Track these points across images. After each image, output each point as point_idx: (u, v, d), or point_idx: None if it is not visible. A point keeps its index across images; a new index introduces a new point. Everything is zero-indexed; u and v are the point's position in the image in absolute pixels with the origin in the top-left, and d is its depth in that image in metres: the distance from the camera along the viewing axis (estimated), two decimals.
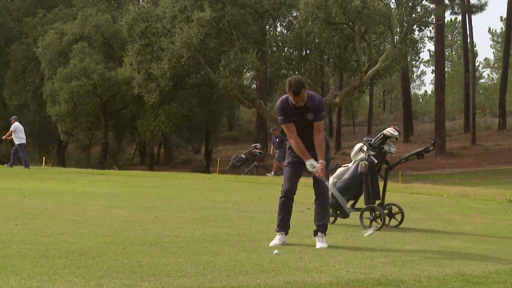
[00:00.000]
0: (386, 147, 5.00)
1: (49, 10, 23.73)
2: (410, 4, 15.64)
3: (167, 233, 4.00)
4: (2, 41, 24.41)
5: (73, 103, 19.35)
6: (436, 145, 5.30)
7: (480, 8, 25.09)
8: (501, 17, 42.39)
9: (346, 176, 5.07)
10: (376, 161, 4.96)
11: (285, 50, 16.84)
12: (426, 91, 58.61)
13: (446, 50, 34.57)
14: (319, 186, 3.83)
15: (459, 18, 35.60)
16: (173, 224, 4.51)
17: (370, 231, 4.05)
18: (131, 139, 27.69)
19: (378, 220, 4.88)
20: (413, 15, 15.68)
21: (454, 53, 45.98)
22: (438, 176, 16.29)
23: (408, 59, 20.62)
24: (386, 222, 5.01)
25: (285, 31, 17.40)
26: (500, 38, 41.82)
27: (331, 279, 2.64)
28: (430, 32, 17.25)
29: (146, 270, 2.70)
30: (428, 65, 48.28)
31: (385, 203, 5.10)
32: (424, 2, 16.32)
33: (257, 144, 15.14)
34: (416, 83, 49.81)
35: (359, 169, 4.93)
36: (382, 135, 5.03)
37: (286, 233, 3.84)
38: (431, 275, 2.81)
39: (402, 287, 2.55)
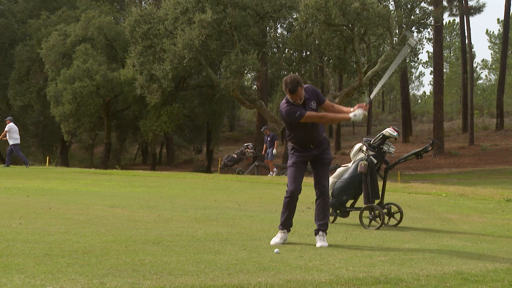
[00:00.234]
0: (385, 147, 5.03)
1: (53, 12, 23.86)
2: (409, 6, 15.64)
3: (169, 232, 4.02)
4: (7, 43, 24.56)
5: (76, 103, 19.44)
6: (435, 145, 5.33)
7: (478, 10, 25.05)
8: (498, 19, 42.43)
9: (346, 175, 5.10)
10: (375, 161, 4.99)
11: (286, 51, 16.87)
12: (424, 92, 58.58)
13: (444, 52, 34.50)
14: (320, 186, 3.86)
15: (457, 20, 35.70)
16: (175, 223, 4.54)
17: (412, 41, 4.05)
18: (134, 139, 27.76)
19: (377, 219, 4.91)
20: (412, 17, 15.70)
21: (452, 54, 45.98)
22: (437, 176, 16.27)
23: (407, 61, 20.60)
24: (385, 221, 5.03)
25: (286, 33, 17.44)
26: (497, 39, 41.85)
27: (331, 277, 2.66)
28: (429, 33, 17.28)
29: (148, 269, 2.72)
30: (426, 66, 48.34)
31: (384, 202, 5.12)
32: (422, 4, 16.32)
33: (249, 144, 15.19)
34: (415, 84, 49.90)
35: (358, 169, 4.96)
36: (381, 135, 5.06)
37: (288, 231, 3.87)
38: (430, 273, 2.83)
39: (401, 285, 2.56)
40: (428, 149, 5.21)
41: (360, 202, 5.14)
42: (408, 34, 4.18)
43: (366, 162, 4.93)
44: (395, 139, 5.06)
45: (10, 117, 13.40)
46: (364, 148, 5.08)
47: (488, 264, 3.20)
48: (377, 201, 5.01)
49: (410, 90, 36.84)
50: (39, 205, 5.44)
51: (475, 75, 38.44)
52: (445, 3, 24.01)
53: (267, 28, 17.45)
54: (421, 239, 4.25)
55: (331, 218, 5.24)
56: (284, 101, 3.82)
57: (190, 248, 3.39)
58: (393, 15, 15.45)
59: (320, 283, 2.54)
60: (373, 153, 5.01)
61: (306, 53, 16.88)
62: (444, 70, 34.81)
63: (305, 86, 3.82)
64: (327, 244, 3.71)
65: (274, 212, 5.69)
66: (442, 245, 3.97)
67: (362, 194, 5.02)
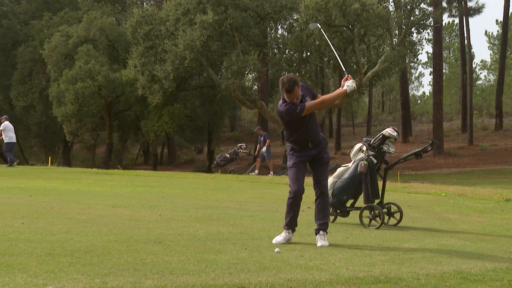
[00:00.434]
0: (385, 147, 5.04)
1: (55, 13, 23.94)
2: (409, 7, 15.62)
3: (170, 231, 4.04)
4: (10, 44, 24.65)
5: (79, 104, 19.51)
6: (434, 145, 5.34)
7: (477, 11, 25.01)
8: (497, 20, 42.38)
9: (346, 175, 5.12)
10: (375, 161, 5.00)
11: (286, 52, 16.88)
12: (424, 92, 58.56)
13: (443, 52, 34.51)
14: (320, 186, 3.87)
15: (457, 20, 35.71)
16: (177, 223, 4.55)
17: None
18: (135, 139, 27.82)
19: (377, 218, 4.93)
20: (412, 18, 15.67)
21: (451, 55, 45.98)
22: (436, 176, 16.25)
23: (407, 61, 20.59)
24: (385, 221, 5.04)
25: (286, 34, 17.45)
26: (496, 40, 41.85)
27: (331, 276, 2.67)
28: (428, 34, 17.25)
29: (150, 268, 2.73)
30: (426, 67, 48.28)
31: (384, 202, 5.13)
32: (422, 5, 16.27)
33: (242, 144, 15.25)
34: (415, 85, 49.90)
35: (358, 169, 4.98)
36: (381, 136, 5.07)
37: (293, 231, 3.87)
38: (430, 272, 2.84)
39: (401, 284, 2.57)
40: (428, 149, 5.23)
41: (360, 201, 5.16)
42: (312, 26, 4.28)
43: (366, 162, 4.94)
44: (395, 139, 5.08)
45: (5, 116, 13.44)
46: (364, 148, 5.10)
47: (488, 263, 3.21)
48: (377, 201, 5.02)
49: (409, 91, 36.83)
50: (41, 205, 5.47)
51: (474, 75, 38.45)
52: (444, 4, 24.01)
53: (268, 29, 17.47)
54: (420, 238, 4.26)
55: (331, 218, 5.26)
56: (281, 101, 3.84)
57: (191, 247, 3.40)
58: (393, 16, 15.45)
59: (320, 282, 2.55)
60: (373, 153, 5.03)
61: (306, 53, 16.88)
62: (444, 71, 34.82)
63: (301, 84, 3.86)
64: (327, 244, 3.72)
65: (275, 212, 5.71)
66: (441, 244, 3.98)
67: (362, 193, 5.04)
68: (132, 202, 6.21)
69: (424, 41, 16.84)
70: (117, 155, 26.76)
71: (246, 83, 28.13)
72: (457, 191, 8.37)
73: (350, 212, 5.22)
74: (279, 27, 17.69)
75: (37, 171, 11.68)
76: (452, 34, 45.56)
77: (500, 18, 32.70)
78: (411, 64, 37.98)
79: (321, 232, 3.81)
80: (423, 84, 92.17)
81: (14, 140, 12.96)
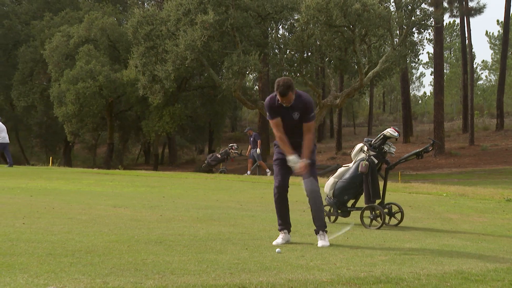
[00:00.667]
0: (386, 148, 5.04)
1: (56, 14, 23.99)
2: (410, 7, 15.61)
3: (171, 231, 4.04)
4: (11, 44, 24.70)
5: (80, 104, 19.54)
6: (435, 145, 5.34)
7: (479, 11, 25.00)
8: (498, 20, 42.37)
9: (347, 175, 5.12)
10: (376, 161, 5.00)
11: (287, 52, 16.87)
12: (425, 93, 58.59)
13: (444, 52, 34.52)
14: (308, 186, 3.81)
15: (458, 21, 35.62)
16: (177, 223, 4.56)
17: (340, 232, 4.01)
18: (136, 139, 27.86)
19: (378, 219, 4.93)
20: (413, 18, 15.67)
21: (452, 55, 45.99)
22: (437, 176, 16.25)
23: (408, 61, 20.56)
24: (386, 221, 5.04)
25: (287, 34, 17.45)
26: (497, 40, 41.83)
27: (332, 277, 2.67)
28: (429, 34, 17.21)
29: (151, 268, 2.73)
30: (427, 67, 48.26)
31: (385, 202, 5.13)
32: (423, 5, 16.28)
33: (233, 144, 15.31)
34: (416, 85, 49.93)
35: (359, 169, 4.98)
36: (382, 136, 5.07)
37: (289, 231, 3.86)
38: (430, 273, 2.83)
39: (402, 284, 2.57)
40: (429, 149, 5.23)
41: (361, 202, 5.16)
42: None
43: (367, 162, 4.94)
44: (396, 139, 5.08)
45: None
46: (365, 148, 5.10)
47: (489, 263, 3.20)
48: (378, 201, 5.02)
49: (410, 91, 36.86)
50: (42, 205, 5.47)
51: (475, 75, 38.46)
52: (445, 4, 24.00)
53: (269, 29, 17.47)
54: (421, 238, 4.26)
55: (332, 218, 5.26)
56: (272, 95, 3.84)
57: (192, 247, 3.40)
58: (394, 16, 15.45)
59: (321, 282, 2.55)
60: (374, 153, 5.03)
61: (307, 54, 16.87)
62: (445, 71, 34.77)
63: (304, 95, 3.80)
64: (328, 244, 3.71)
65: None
66: (442, 244, 3.98)
67: (363, 194, 5.04)
68: (133, 202, 6.21)
69: (425, 41, 16.83)
70: (118, 155, 26.80)
71: (247, 83, 28.17)
72: (458, 191, 8.37)
73: (351, 212, 5.21)
74: (280, 27, 17.70)
75: (38, 171, 11.70)
76: (453, 34, 45.56)
77: (501, 18, 32.75)
78: (412, 64, 37.97)
79: (320, 232, 3.80)
80: (424, 84, 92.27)
81: (7, 140, 13.02)
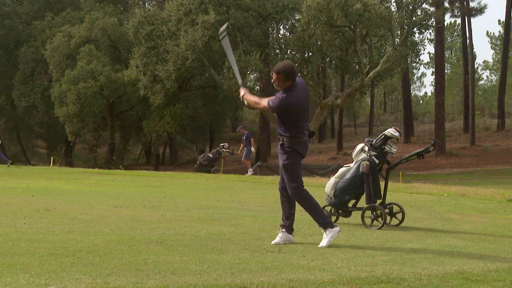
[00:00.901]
0: (387, 148, 5.04)
1: (57, 14, 24.03)
2: (411, 7, 15.61)
3: (172, 231, 4.05)
4: (12, 44, 24.75)
5: (80, 104, 19.57)
6: (436, 145, 5.33)
7: (480, 11, 24.99)
8: (499, 20, 42.35)
9: (348, 176, 5.11)
10: (377, 161, 5.00)
11: (288, 52, 16.88)
12: (426, 93, 58.55)
13: (445, 53, 34.55)
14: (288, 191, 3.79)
15: (459, 21, 35.58)
16: (178, 223, 4.56)
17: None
18: (137, 139, 27.90)
19: (379, 219, 4.92)
20: (414, 18, 15.65)
21: (453, 55, 45.96)
22: (438, 176, 16.25)
23: (409, 61, 20.54)
24: (387, 221, 5.04)
25: (288, 34, 17.46)
26: (498, 41, 41.77)
27: (333, 277, 2.67)
28: (430, 34, 17.18)
29: (152, 268, 2.73)
30: (428, 67, 48.18)
31: (386, 202, 5.13)
32: (424, 6, 16.25)
33: (225, 144, 15.33)
34: (416, 85, 49.92)
35: (360, 169, 4.98)
36: (383, 136, 5.07)
37: (287, 231, 3.80)
38: (432, 273, 2.83)
39: (403, 285, 2.57)
40: (430, 149, 5.23)
41: (362, 202, 5.15)
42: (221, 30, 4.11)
43: (368, 162, 4.94)
44: (397, 139, 5.08)
45: None
46: (366, 148, 5.10)
47: (490, 263, 3.20)
48: (379, 201, 5.02)
49: (411, 91, 36.87)
50: (43, 205, 5.48)
51: (476, 76, 38.39)
52: (446, 5, 23.98)
53: (270, 29, 17.48)
54: (422, 239, 4.26)
55: (333, 218, 5.26)
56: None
57: (193, 247, 3.40)
58: (395, 17, 15.44)
59: (322, 282, 2.55)
60: (375, 153, 5.03)
61: (308, 54, 16.88)
62: (446, 71, 34.80)
63: (300, 83, 3.80)
64: (325, 244, 3.65)
65: (276, 212, 5.71)
66: (443, 244, 3.97)
67: (364, 194, 5.03)
68: (134, 202, 6.22)
69: (426, 41, 16.79)
70: (119, 155, 26.84)
71: (248, 84, 28.15)
72: (459, 191, 8.36)
73: (352, 212, 5.21)
74: (281, 27, 17.71)
75: (39, 171, 11.72)
76: (454, 34, 45.53)
77: (502, 18, 32.74)
78: (413, 64, 37.96)
79: (322, 231, 3.78)
80: (425, 84, 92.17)
81: None
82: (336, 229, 3.71)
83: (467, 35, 26.22)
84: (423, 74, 64.30)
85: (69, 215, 4.82)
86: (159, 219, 4.82)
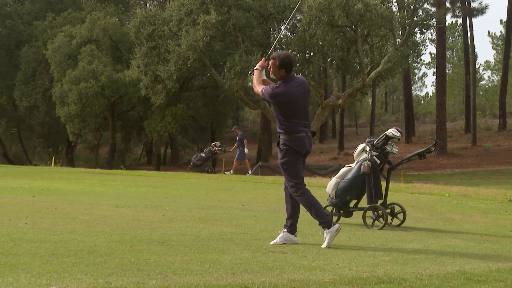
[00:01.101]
0: (388, 148, 5.04)
1: (59, 14, 24.08)
2: (412, 7, 15.59)
3: (173, 231, 4.05)
4: (13, 44, 24.81)
5: (82, 104, 19.60)
6: (438, 145, 5.32)
7: (481, 11, 24.94)
8: (501, 20, 42.28)
9: (349, 176, 5.11)
10: (378, 161, 5.00)
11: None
12: (427, 93, 58.45)
13: (447, 53, 34.48)
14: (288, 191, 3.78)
15: (460, 21, 35.53)
16: (180, 223, 4.56)
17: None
18: (138, 139, 27.92)
19: (381, 219, 4.92)
20: (415, 18, 15.64)
21: (455, 55, 45.88)
22: (439, 176, 16.24)
23: (410, 61, 20.53)
24: (389, 221, 5.03)
25: (289, 34, 17.47)
26: (499, 41, 41.70)
27: (335, 277, 2.68)
28: (432, 35, 17.17)
29: (153, 268, 2.74)
30: (429, 67, 48.08)
31: (387, 202, 5.12)
32: (425, 6, 16.23)
33: (217, 142, 15.40)
34: (418, 85, 49.82)
35: (362, 169, 4.97)
36: (384, 136, 5.07)
37: (290, 232, 3.80)
38: (433, 273, 2.83)
39: (404, 285, 2.57)
40: (431, 149, 5.22)
41: (364, 202, 5.15)
42: None
43: (369, 163, 4.94)
44: (398, 139, 5.08)
45: None
46: (368, 148, 5.09)
47: (491, 264, 3.20)
48: (380, 201, 5.01)
49: (413, 91, 36.79)
50: (44, 205, 5.49)
51: (477, 76, 38.36)
52: (448, 5, 23.95)
53: (271, 29, 17.48)
54: (424, 239, 4.25)
55: (335, 218, 5.25)
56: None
57: (194, 247, 3.41)
58: (396, 17, 15.42)
59: (323, 282, 2.55)
60: (376, 153, 5.02)
61: (309, 54, 16.88)
62: (447, 71, 34.74)
63: (300, 79, 3.80)
64: (325, 245, 3.64)
65: (278, 212, 5.71)
66: (445, 245, 3.97)
67: (365, 194, 5.03)
68: (135, 202, 6.23)
69: (427, 41, 16.77)
70: (120, 155, 26.88)
71: (249, 84, 28.15)
72: (460, 191, 8.35)
73: (354, 212, 5.21)
74: (282, 27, 17.71)
75: (41, 171, 11.75)
76: (456, 35, 45.46)
77: (504, 18, 32.67)
78: (414, 64, 37.91)
79: (322, 232, 3.78)
80: (426, 84, 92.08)
81: None
82: (335, 227, 3.68)
83: (469, 35, 26.19)
84: (425, 74, 64.22)
85: (71, 215, 4.83)
86: (160, 219, 4.82)
